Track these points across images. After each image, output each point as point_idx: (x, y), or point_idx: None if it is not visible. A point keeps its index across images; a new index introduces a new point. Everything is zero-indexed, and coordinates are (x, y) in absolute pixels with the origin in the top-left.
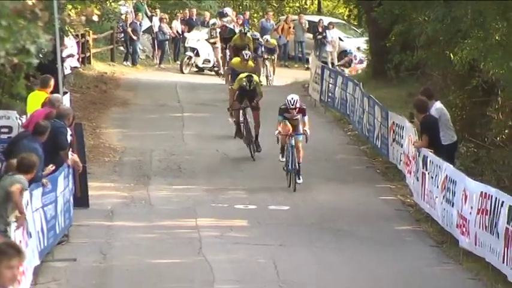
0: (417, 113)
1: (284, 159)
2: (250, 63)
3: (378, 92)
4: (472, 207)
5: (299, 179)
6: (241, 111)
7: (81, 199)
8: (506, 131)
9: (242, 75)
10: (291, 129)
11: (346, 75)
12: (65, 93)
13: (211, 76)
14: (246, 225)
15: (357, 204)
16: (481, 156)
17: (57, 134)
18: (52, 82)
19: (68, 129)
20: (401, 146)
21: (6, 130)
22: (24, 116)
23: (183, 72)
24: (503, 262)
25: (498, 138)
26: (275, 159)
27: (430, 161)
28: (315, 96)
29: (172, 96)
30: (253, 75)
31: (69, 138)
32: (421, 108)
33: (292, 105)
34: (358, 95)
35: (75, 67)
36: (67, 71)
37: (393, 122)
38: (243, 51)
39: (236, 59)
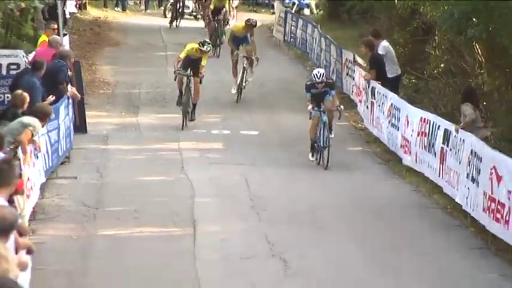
0: (366, 50)
1: (313, 159)
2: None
3: (333, 33)
4: (413, 130)
5: (328, 154)
6: (185, 79)
7: (80, 126)
8: (442, 65)
9: (193, 46)
10: (315, 105)
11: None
12: (64, 34)
13: (190, 20)
14: (221, 147)
15: None
16: (420, 87)
17: (58, 71)
18: (55, 26)
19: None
20: (353, 79)
21: (14, 67)
22: (30, 55)
23: (166, 17)
24: (439, 176)
25: (435, 71)
26: (245, 91)
27: (377, 91)
28: (279, 37)
29: (157, 37)
30: (204, 46)
31: (69, 74)
32: (370, 46)
33: (319, 78)
34: (316, 35)
35: (73, 12)
36: (67, 16)
37: (346, 58)
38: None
39: (239, 25)
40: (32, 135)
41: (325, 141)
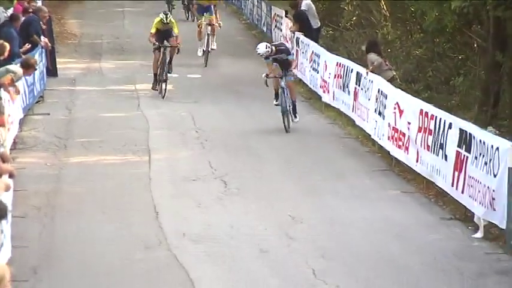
0: (291, 8)
1: (278, 102)
2: None
3: None
4: (330, 73)
5: (295, 117)
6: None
7: (51, 71)
8: (354, 18)
9: (158, 19)
10: (280, 72)
11: None
12: None
13: None
14: (171, 88)
15: (249, 73)
16: (336, 37)
17: (32, 23)
18: None
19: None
20: (281, 31)
21: None
22: (9, 10)
23: None
24: (352, 111)
25: (348, 24)
26: (193, 45)
27: (301, 41)
28: None
29: None
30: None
31: (42, 26)
32: (294, 4)
33: (278, 47)
34: None
35: None
36: None
37: (275, 13)
38: None
39: None
40: (12, 80)
41: (286, 106)
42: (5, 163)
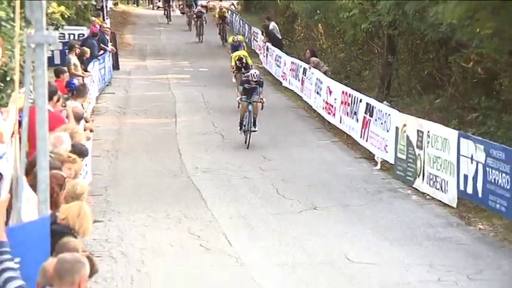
0: (263, 28)
1: (241, 131)
2: None
3: (247, 18)
4: (287, 68)
5: (255, 127)
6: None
7: (115, 66)
8: (302, 34)
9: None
10: (244, 95)
11: None
12: (107, 19)
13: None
14: (188, 77)
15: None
16: (291, 46)
17: (103, 38)
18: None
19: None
20: (257, 42)
21: (82, 35)
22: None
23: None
24: (301, 91)
25: (299, 37)
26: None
27: (269, 48)
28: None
29: (154, 20)
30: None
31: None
32: (265, 26)
33: (255, 78)
34: (237, 18)
35: (111, 7)
36: (108, 9)
37: (253, 31)
38: None
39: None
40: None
41: (249, 126)
42: (88, 123)
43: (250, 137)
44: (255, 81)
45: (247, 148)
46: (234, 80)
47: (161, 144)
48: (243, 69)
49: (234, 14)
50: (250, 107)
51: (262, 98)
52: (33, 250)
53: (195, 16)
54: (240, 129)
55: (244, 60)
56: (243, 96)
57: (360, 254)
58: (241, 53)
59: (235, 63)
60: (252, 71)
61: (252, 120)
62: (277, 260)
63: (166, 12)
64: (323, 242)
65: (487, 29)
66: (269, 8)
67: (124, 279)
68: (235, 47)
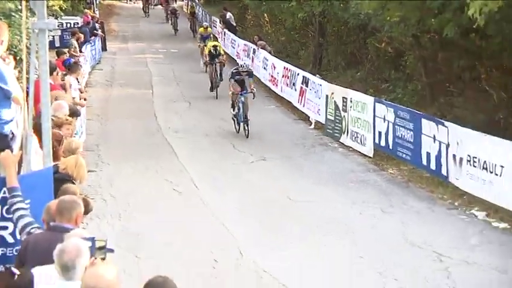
0: (221, 17)
1: (235, 112)
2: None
3: (208, 8)
4: (240, 49)
5: (247, 126)
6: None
7: (104, 48)
8: (252, 21)
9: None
10: (240, 89)
11: None
12: (96, 11)
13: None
14: (162, 56)
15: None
16: (243, 32)
17: (94, 25)
18: (91, 8)
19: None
20: (216, 28)
21: (76, 24)
22: (81, 19)
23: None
24: (251, 67)
25: (250, 24)
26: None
27: (226, 33)
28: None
29: (136, 12)
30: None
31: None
32: (223, 15)
33: (245, 68)
34: (200, 9)
35: (100, 1)
36: (97, 2)
37: (213, 20)
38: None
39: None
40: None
41: (243, 117)
42: (82, 93)
43: (248, 126)
44: (245, 72)
45: (247, 137)
46: (201, 64)
47: (141, 110)
48: (214, 57)
49: (198, 6)
50: (242, 99)
51: (253, 89)
52: (40, 194)
53: (169, 12)
54: (212, 89)
55: (218, 49)
56: (238, 89)
57: (299, 195)
58: (216, 43)
59: (209, 50)
60: (242, 63)
61: (245, 117)
62: (233, 199)
63: (144, 8)
64: (270, 185)
65: (395, 17)
66: (226, 0)
67: (113, 217)
68: (204, 37)
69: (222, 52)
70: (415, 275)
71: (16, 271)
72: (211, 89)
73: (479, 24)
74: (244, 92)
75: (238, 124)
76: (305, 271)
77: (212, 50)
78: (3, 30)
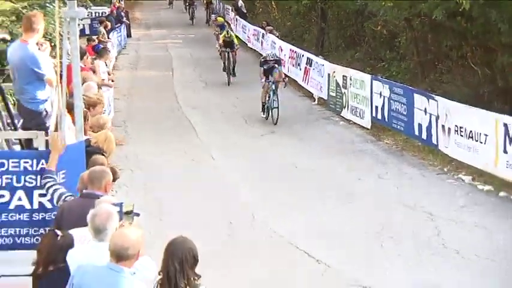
0: (233, 5)
1: (264, 100)
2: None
3: None
4: (251, 33)
5: (277, 112)
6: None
7: (129, 34)
8: (260, 9)
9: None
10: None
11: None
12: (121, 2)
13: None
14: (181, 41)
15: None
16: (253, 18)
17: (120, 14)
18: None
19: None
20: (229, 15)
21: (104, 13)
22: (108, 8)
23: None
24: (261, 49)
25: (258, 12)
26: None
27: (237, 19)
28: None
29: (158, 2)
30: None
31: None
32: (235, 3)
33: (272, 57)
34: None
35: None
36: None
37: (226, 7)
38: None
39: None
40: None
41: (273, 103)
42: (110, 75)
43: (278, 113)
44: (272, 61)
45: (275, 124)
46: (217, 47)
47: (162, 89)
48: (227, 45)
49: None
50: (273, 86)
51: (284, 78)
52: (74, 165)
53: (188, 3)
54: (263, 112)
55: (230, 38)
56: (265, 78)
57: (303, 163)
58: (232, 34)
59: (224, 38)
60: (269, 51)
61: (277, 98)
62: (245, 168)
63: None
64: (278, 155)
65: (389, 3)
66: None
67: (139, 185)
68: (220, 26)
69: (236, 42)
70: (409, 233)
71: (59, 232)
72: (224, 69)
73: (465, 7)
74: (269, 80)
75: (267, 111)
76: (309, 231)
77: (227, 38)
78: (39, 19)
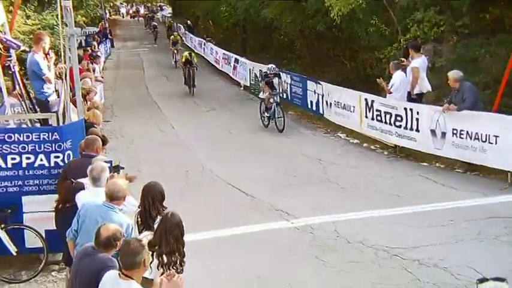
0: (184, 24)
1: (269, 114)
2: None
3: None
4: (216, 54)
5: (283, 120)
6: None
7: (112, 45)
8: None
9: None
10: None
11: None
12: (106, 22)
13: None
14: (148, 49)
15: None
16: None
17: (105, 32)
18: (104, 21)
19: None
20: (181, 30)
21: (95, 32)
22: (97, 29)
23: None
24: (195, 48)
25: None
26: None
27: (187, 34)
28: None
29: (129, 23)
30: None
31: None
32: (185, 22)
33: (272, 71)
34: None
35: (108, 17)
36: (107, 18)
37: (178, 25)
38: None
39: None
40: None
41: (278, 114)
42: (101, 74)
43: (283, 122)
44: (272, 74)
45: (282, 131)
46: (172, 62)
47: (137, 83)
48: (187, 64)
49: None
50: (277, 99)
51: (285, 90)
52: (77, 135)
53: (152, 28)
54: (185, 82)
55: (191, 58)
56: (269, 91)
57: (236, 130)
58: (191, 53)
59: (186, 58)
60: (270, 66)
61: (281, 110)
62: (196, 134)
63: (145, 24)
64: (218, 125)
65: (288, 19)
66: (187, 13)
67: (123, 148)
68: (174, 43)
69: (195, 61)
70: (306, 173)
71: (73, 180)
72: (185, 83)
73: (337, 22)
74: (274, 93)
75: (268, 120)
76: (241, 175)
77: (188, 56)
78: (45, 36)
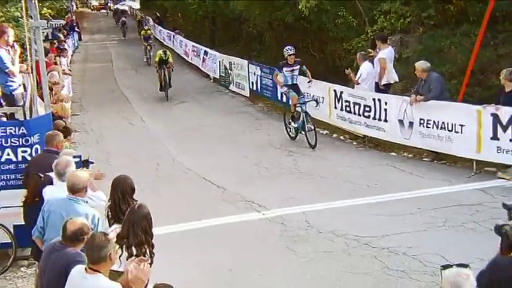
0: (153, 16)
1: (297, 124)
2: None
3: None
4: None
5: (314, 134)
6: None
7: (80, 38)
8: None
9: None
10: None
11: None
12: (73, 15)
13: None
14: (116, 42)
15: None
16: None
17: (72, 24)
18: (70, 13)
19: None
20: (149, 23)
21: (61, 24)
22: (63, 21)
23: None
24: (164, 41)
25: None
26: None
27: (157, 26)
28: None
29: (97, 15)
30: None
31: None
32: (154, 15)
33: (291, 51)
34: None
35: (75, 10)
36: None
37: (147, 18)
38: None
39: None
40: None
41: (309, 126)
42: (69, 67)
43: (315, 135)
44: (293, 59)
45: (314, 147)
46: (144, 60)
47: (106, 76)
48: (162, 64)
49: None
50: (304, 107)
51: (310, 81)
52: (44, 129)
53: (120, 23)
54: (161, 89)
55: (166, 57)
56: (291, 91)
57: (206, 122)
58: (166, 51)
59: (160, 57)
60: (288, 47)
61: (310, 120)
62: (166, 127)
63: (116, 21)
64: (188, 117)
65: (257, 11)
66: (155, 5)
67: (93, 141)
68: (146, 38)
69: (171, 60)
70: (276, 164)
71: (41, 175)
72: (161, 89)
73: (305, 14)
74: (301, 97)
75: (296, 132)
76: (212, 167)
77: (162, 55)
78: (9, 30)
